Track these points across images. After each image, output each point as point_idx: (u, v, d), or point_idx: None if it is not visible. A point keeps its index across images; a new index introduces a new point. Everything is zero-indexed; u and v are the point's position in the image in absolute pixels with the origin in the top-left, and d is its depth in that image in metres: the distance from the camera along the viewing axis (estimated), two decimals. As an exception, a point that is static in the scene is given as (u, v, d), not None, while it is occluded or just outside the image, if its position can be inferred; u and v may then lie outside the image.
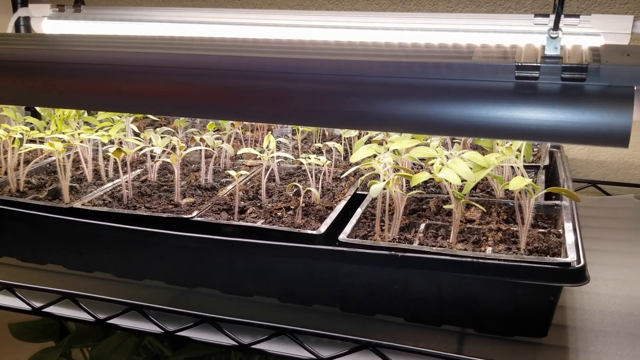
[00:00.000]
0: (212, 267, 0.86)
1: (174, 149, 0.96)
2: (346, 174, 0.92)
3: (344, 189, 0.97)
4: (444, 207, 0.82)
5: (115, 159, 0.96)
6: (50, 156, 1.16)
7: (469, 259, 0.73)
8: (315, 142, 1.20)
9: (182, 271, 0.89)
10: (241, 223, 0.84)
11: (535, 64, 0.64)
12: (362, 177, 0.86)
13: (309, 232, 0.81)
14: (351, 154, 1.13)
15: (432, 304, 0.78)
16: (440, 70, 0.65)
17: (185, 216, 0.86)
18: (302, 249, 0.78)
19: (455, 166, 0.79)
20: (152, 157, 1.03)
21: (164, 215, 0.86)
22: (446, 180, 0.80)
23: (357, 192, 0.96)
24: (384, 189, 0.81)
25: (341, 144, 1.10)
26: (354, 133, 1.08)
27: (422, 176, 0.81)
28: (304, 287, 0.83)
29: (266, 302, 0.87)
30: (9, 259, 1.01)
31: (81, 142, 0.97)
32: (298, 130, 1.18)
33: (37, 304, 0.87)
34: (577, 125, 0.62)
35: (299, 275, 0.83)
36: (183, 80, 0.74)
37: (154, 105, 0.75)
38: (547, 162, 1.07)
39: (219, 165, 1.09)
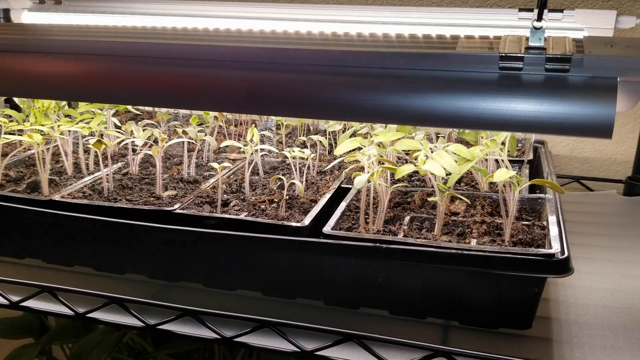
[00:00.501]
0: (194, 261, 0.85)
1: (155, 141, 0.95)
2: (330, 166, 0.91)
3: (328, 182, 0.97)
4: (429, 199, 0.82)
5: (96, 152, 0.95)
6: (29, 149, 1.14)
7: (454, 251, 0.72)
8: (300, 137, 1.20)
9: (164, 265, 0.87)
10: (224, 215, 0.83)
11: (519, 55, 0.63)
12: (347, 170, 0.85)
13: (293, 224, 0.80)
14: (336, 148, 1.13)
15: (416, 296, 0.78)
16: (424, 61, 0.65)
17: (167, 208, 0.85)
18: (287, 241, 0.78)
19: (440, 158, 0.79)
20: (134, 150, 1.02)
21: (145, 207, 0.85)
22: (431, 173, 0.80)
23: (342, 185, 0.96)
24: (369, 181, 0.80)
25: (326, 138, 1.09)
26: (338, 127, 1.08)
27: (407, 168, 0.80)
28: (287, 280, 0.82)
29: (249, 295, 0.86)
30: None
31: (61, 133, 0.96)
32: (282, 124, 1.17)
33: (15, 298, 0.86)
34: (561, 116, 0.62)
35: (282, 268, 0.82)
36: (162, 69, 0.73)
37: (133, 95, 0.74)
38: (530, 156, 1.08)
39: (202, 159, 1.08)
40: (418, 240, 0.76)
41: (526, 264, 0.71)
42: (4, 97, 1.27)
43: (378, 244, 0.74)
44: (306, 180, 0.97)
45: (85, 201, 0.88)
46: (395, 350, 0.74)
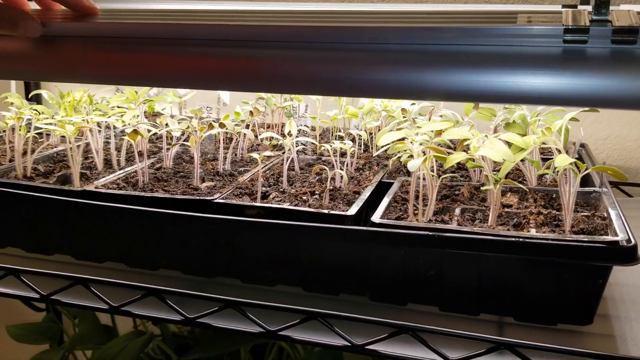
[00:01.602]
0: (233, 254, 0.81)
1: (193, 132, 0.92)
2: (377, 153, 0.87)
3: (368, 177, 0.93)
4: (482, 189, 0.78)
5: (128, 146, 0.92)
6: (56, 146, 1.11)
7: (514, 239, 0.68)
8: (332, 137, 1.17)
9: (201, 259, 0.84)
10: (267, 204, 0.80)
11: (584, 27, 0.60)
12: (393, 159, 0.82)
13: (340, 213, 0.77)
14: (371, 147, 1.10)
15: (470, 290, 0.74)
16: (483, 35, 0.62)
17: (207, 198, 0.81)
18: (334, 230, 0.74)
19: (494, 146, 0.75)
20: (169, 144, 0.99)
21: (184, 197, 0.82)
22: (484, 160, 0.76)
23: (383, 180, 0.92)
24: (418, 170, 0.77)
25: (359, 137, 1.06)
26: (375, 123, 1.05)
27: (458, 156, 0.77)
28: (331, 275, 0.79)
29: (289, 291, 0.82)
30: (13, 250, 0.95)
31: (94, 126, 0.93)
32: (317, 125, 1.14)
33: (45, 292, 0.82)
34: (630, 90, 0.59)
35: (326, 262, 0.78)
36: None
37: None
38: (575, 157, 1.04)
39: (236, 155, 1.05)
40: (474, 228, 0.72)
41: (592, 252, 0.67)
42: (32, 93, 1.25)
43: (432, 232, 0.71)
44: (346, 175, 0.94)
45: (120, 191, 0.85)
46: (452, 344, 0.69)
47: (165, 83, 0.79)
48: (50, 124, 0.97)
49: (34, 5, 0.80)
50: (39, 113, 1.00)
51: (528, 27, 0.62)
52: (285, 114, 1.20)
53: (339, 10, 0.76)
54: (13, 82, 1.54)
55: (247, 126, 1.05)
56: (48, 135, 1.15)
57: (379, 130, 1.08)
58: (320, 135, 1.22)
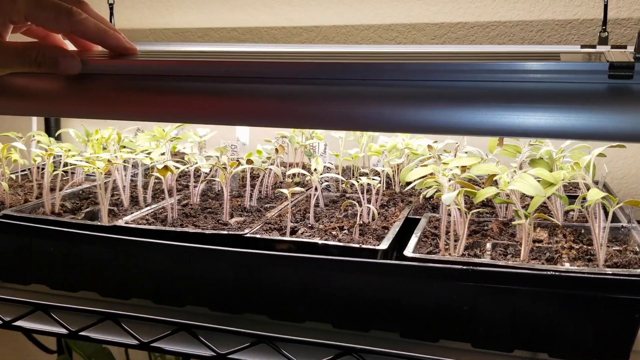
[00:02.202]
0: (262, 290, 0.81)
1: (223, 168, 0.93)
2: (409, 187, 0.87)
3: (395, 213, 0.94)
4: (513, 223, 0.79)
5: (156, 182, 0.92)
6: (80, 184, 1.12)
7: (550, 272, 0.68)
8: (353, 175, 1.18)
9: (230, 295, 0.83)
10: (298, 239, 0.80)
11: (629, 63, 0.62)
12: (424, 193, 0.82)
13: (372, 247, 0.77)
14: (394, 184, 1.11)
15: (503, 326, 0.73)
16: (530, 72, 0.63)
17: (238, 233, 0.82)
18: (368, 265, 0.74)
19: (524, 181, 0.76)
20: (196, 181, 1.00)
21: (215, 232, 0.82)
22: (514, 194, 0.77)
23: (409, 216, 0.93)
24: (448, 205, 0.77)
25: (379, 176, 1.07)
26: (398, 160, 1.06)
27: (489, 191, 0.78)
28: (361, 310, 0.78)
29: (318, 328, 0.81)
30: (37, 287, 0.95)
31: (124, 161, 0.94)
32: (340, 162, 1.16)
33: (74, 328, 0.81)
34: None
35: (357, 297, 0.78)
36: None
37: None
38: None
39: (260, 192, 1.06)
40: (509, 262, 0.72)
41: (629, 285, 0.66)
42: (59, 132, 1.27)
43: (466, 266, 0.71)
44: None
45: (151, 227, 0.85)
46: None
47: (208, 120, 0.81)
48: (80, 160, 0.98)
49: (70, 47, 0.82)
50: (68, 150, 1.01)
51: (573, 62, 0.63)
52: (305, 153, 1.22)
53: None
54: (34, 120, 1.57)
55: (272, 163, 1.07)
56: (73, 173, 1.17)
57: (400, 167, 1.09)
58: (343, 172, 1.23)
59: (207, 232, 0.82)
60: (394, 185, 1.11)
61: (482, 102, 0.62)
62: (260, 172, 0.99)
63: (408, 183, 1.13)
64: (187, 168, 0.93)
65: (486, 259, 0.74)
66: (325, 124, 0.73)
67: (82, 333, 0.81)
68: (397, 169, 1.11)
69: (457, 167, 0.84)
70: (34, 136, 1.12)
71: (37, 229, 0.88)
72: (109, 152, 1.02)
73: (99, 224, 0.88)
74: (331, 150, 1.19)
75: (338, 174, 1.17)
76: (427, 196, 0.86)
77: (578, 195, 1.02)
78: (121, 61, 0.75)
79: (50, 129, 1.56)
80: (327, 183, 1.04)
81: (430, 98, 0.64)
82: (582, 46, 1.04)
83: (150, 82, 0.73)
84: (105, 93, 0.74)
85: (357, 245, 0.78)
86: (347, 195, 1.05)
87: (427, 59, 0.72)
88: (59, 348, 1.70)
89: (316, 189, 0.93)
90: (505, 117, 0.61)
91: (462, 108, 0.62)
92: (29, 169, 1.20)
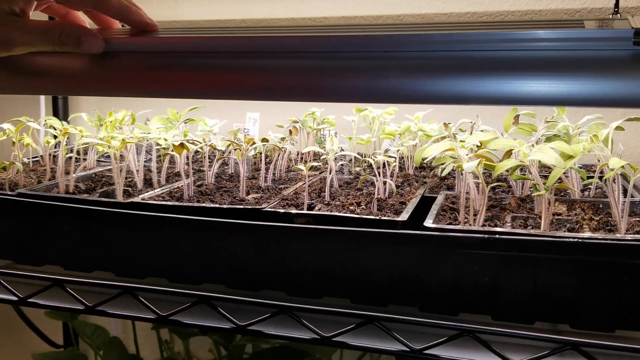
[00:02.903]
0: (281, 265, 0.81)
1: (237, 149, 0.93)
2: (429, 158, 0.87)
3: (411, 191, 0.94)
4: (533, 195, 0.79)
5: (169, 166, 0.92)
6: (91, 169, 1.12)
7: (572, 239, 0.68)
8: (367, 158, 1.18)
9: (247, 272, 0.83)
10: (317, 212, 0.80)
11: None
12: (443, 166, 0.82)
13: (392, 218, 0.77)
14: (407, 167, 1.11)
15: (525, 297, 0.73)
16: (556, 40, 0.63)
17: (256, 207, 0.81)
18: (389, 235, 0.74)
19: (544, 153, 0.76)
20: (210, 163, 1.00)
21: (234, 206, 0.82)
22: (532, 167, 0.77)
23: (425, 194, 0.92)
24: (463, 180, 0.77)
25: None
26: (412, 142, 1.06)
27: (508, 163, 0.78)
28: (380, 286, 0.78)
29: (336, 303, 0.81)
30: (51, 268, 0.94)
31: (138, 141, 0.94)
32: (353, 145, 1.16)
33: (91, 303, 0.81)
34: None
35: (376, 272, 0.77)
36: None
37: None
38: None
39: (274, 175, 1.06)
40: (531, 231, 0.72)
41: (653, 251, 0.66)
42: (72, 116, 1.27)
43: (488, 235, 0.70)
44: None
45: (169, 202, 0.85)
46: (514, 347, 0.68)
47: (234, 95, 0.80)
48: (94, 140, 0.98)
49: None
50: (81, 131, 1.01)
51: (598, 29, 0.63)
52: (316, 140, 1.22)
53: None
54: (43, 106, 1.58)
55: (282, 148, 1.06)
56: (85, 159, 1.16)
57: (414, 149, 1.09)
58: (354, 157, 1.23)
59: (225, 206, 0.82)
60: (407, 168, 1.10)
61: (509, 71, 0.62)
62: (275, 151, 0.99)
63: (421, 167, 1.14)
64: (202, 147, 0.93)
65: (507, 229, 0.74)
66: (351, 96, 0.74)
67: (99, 308, 0.80)
68: (410, 152, 1.11)
69: (475, 143, 0.83)
70: (45, 121, 1.12)
71: (53, 207, 0.88)
72: (122, 134, 1.02)
73: (115, 200, 0.87)
74: (344, 134, 1.19)
75: (351, 158, 1.17)
76: (443, 175, 0.86)
77: (593, 177, 1.03)
78: (144, 38, 0.75)
79: (59, 115, 1.56)
80: (341, 163, 1.04)
81: (459, 68, 0.64)
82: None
83: (174, 59, 0.73)
84: (130, 71, 0.74)
85: (376, 217, 0.77)
86: (361, 176, 1.05)
87: (452, 29, 0.72)
88: (65, 341, 1.69)
89: (330, 171, 0.93)
90: (532, 85, 0.61)
91: (490, 77, 0.63)
92: (41, 156, 1.20)
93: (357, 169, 1.10)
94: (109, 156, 1.20)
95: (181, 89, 0.73)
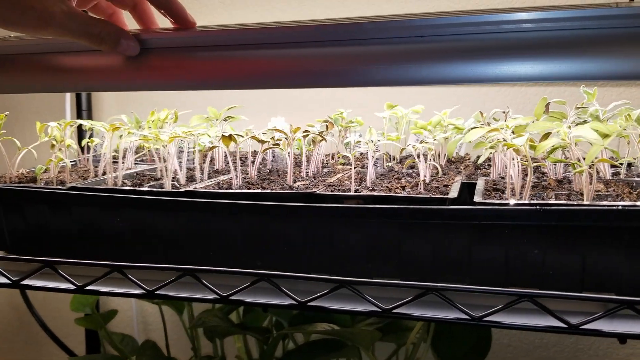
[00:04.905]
0: (329, 247, 0.84)
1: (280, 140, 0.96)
2: (477, 137, 0.90)
3: (450, 177, 0.97)
4: (575, 171, 0.82)
5: (212, 158, 0.95)
6: (129, 169, 1.15)
7: (624, 207, 0.72)
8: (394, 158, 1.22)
9: (299, 254, 0.85)
10: (372, 193, 0.83)
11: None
12: (487, 147, 0.86)
13: (442, 196, 0.80)
14: (439, 158, 1.15)
15: (576, 267, 0.76)
16: (603, 19, 0.67)
17: (308, 191, 0.85)
18: (445, 211, 0.77)
19: (584, 129, 0.80)
20: (253, 157, 1.03)
21: (289, 191, 0.85)
22: (572, 146, 0.81)
23: (463, 181, 0.96)
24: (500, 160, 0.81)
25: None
26: (443, 135, 1.10)
27: (549, 142, 0.82)
28: (429, 262, 0.81)
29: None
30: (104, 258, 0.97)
31: (185, 135, 0.97)
32: (384, 140, 1.19)
33: (151, 287, 0.83)
34: None
35: (425, 248, 0.80)
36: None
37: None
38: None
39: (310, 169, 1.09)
40: (579, 202, 0.75)
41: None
42: (111, 119, 1.30)
43: (540, 206, 0.74)
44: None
45: (224, 190, 0.88)
46: (568, 309, 0.71)
47: (275, 84, 0.85)
48: (137, 139, 1.01)
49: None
50: (127, 128, 1.04)
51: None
52: (344, 144, 1.26)
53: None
54: (68, 106, 1.62)
55: (321, 140, 1.10)
56: (123, 162, 1.19)
57: (446, 141, 1.13)
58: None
59: (283, 191, 0.85)
60: (440, 159, 1.14)
61: (561, 51, 0.67)
62: (315, 146, 1.02)
63: (450, 161, 1.18)
64: (246, 138, 0.96)
65: (555, 201, 0.78)
66: (388, 81, 0.78)
67: (159, 292, 0.83)
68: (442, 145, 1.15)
69: (515, 125, 0.88)
70: (71, 125, 1.15)
71: (109, 198, 0.90)
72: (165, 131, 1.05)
73: (171, 189, 0.90)
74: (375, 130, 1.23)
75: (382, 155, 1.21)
76: (481, 161, 0.90)
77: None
78: (185, 33, 0.79)
79: (82, 116, 1.63)
80: (376, 157, 1.08)
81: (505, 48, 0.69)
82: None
83: (213, 52, 0.77)
84: (164, 65, 0.78)
85: (426, 196, 0.81)
86: (396, 169, 1.09)
87: (490, 12, 0.77)
88: (89, 351, 1.70)
89: (369, 161, 0.96)
90: (582, 64, 0.66)
91: (538, 56, 0.67)
92: (79, 160, 1.23)
93: (388, 163, 1.14)
94: (142, 160, 1.23)
95: (222, 79, 0.77)
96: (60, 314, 1.85)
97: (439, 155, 1.15)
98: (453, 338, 1.15)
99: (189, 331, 1.44)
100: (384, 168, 1.13)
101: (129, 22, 0.84)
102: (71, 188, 0.94)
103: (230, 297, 0.80)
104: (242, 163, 1.07)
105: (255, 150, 1.06)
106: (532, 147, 0.83)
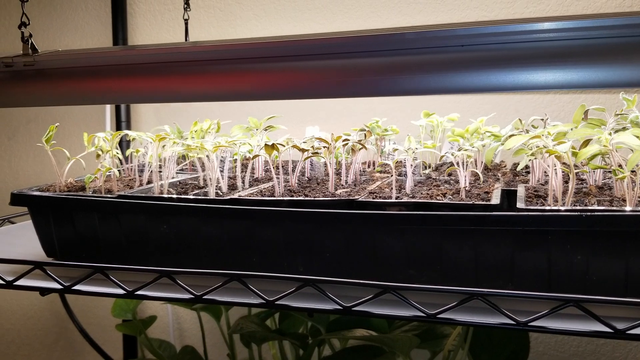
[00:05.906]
0: (372, 253, 0.85)
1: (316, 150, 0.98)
2: (519, 143, 0.91)
3: (490, 184, 0.98)
4: (617, 177, 0.83)
5: (253, 167, 0.97)
6: (172, 178, 1.18)
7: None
8: (429, 167, 1.23)
9: (338, 261, 0.87)
10: (410, 200, 0.85)
11: None
12: (529, 153, 0.87)
13: (484, 202, 0.81)
14: (476, 165, 1.16)
15: (619, 273, 0.76)
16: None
17: (351, 198, 0.86)
18: (489, 217, 0.78)
19: (625, 136, 0.81)
20: (294, 166, 1.05)
21: (333, 198, 0.87)
22: (613, 152, 0.81)
23: (503, 188, 0.97)
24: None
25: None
26: (480, 142, 1.11)
27: (591, 149, 0.82)
28: (471, 268, 0.82)
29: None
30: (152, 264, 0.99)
31: (229, 144, 1.00)
32: (421, 149, 1.20)
33: (199, 292, 0.86)
34: None
35: (467, 254, 0.81)
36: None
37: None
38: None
39: (348, 176, 1.11)
40: (623, 208, 0.76)
41: None
42: (155, 129, 1.34)
43: (584, 213, 0.75)
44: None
45: (270, 198, 0.90)
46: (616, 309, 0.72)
47: (311, 94, 0.87)
48: (182, 148, 1.04)
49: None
50: (172, 139, 1.07)
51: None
52: (381, 152, 1.28)
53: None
54: (108, 117, 1.68)
55: (360, 149, 1.12)
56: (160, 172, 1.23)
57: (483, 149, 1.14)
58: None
59: (326, 199, 0.87)
60: (477, 167, 1.15)
61: (605, 58, 0.68)
62: (354, 154, 1.04)
63: (487, 168, 1.18)
64: (288, 147, 0.99)
65: (598, 207, 0.78)
66: (428, 89, 0.80)
67: (207, 297, 0.85)
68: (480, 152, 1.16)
69: (557, 131, 0.88)
70: (128, 136, 1.19)
71: (157, 206, 0.93)
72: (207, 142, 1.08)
73: (217, 197, 0.93)
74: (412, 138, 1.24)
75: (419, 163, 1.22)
76: (517, 169, 0.91)
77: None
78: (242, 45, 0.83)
79: (121, 127, 1.68)
80: (417, 161, 1.09)
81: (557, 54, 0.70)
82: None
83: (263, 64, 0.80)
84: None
85: (470, 202, 0.82)
86: (433, 176, 1.10)
87: (527, 21, 0.78)
88: (125, 354, 1.73)
89: (408, 169, 0.98)
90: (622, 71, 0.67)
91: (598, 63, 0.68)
92: (122, 169, 1.26)
93: (425, 171, 1.16)
94: (182, 170, 1.26)
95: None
96: (97, 320, 1.89)
97: (476, 163, 1.16)
98: (492, 345, 1.15)
99: (226, 337, 1.46)
100: (421, 175, 1.14)
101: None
102: (120, 196, 0.97)
103: (277, 302, 0.81)
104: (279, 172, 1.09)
105: (293, 160, 1.08)
106: (574, 154, 0.84)
